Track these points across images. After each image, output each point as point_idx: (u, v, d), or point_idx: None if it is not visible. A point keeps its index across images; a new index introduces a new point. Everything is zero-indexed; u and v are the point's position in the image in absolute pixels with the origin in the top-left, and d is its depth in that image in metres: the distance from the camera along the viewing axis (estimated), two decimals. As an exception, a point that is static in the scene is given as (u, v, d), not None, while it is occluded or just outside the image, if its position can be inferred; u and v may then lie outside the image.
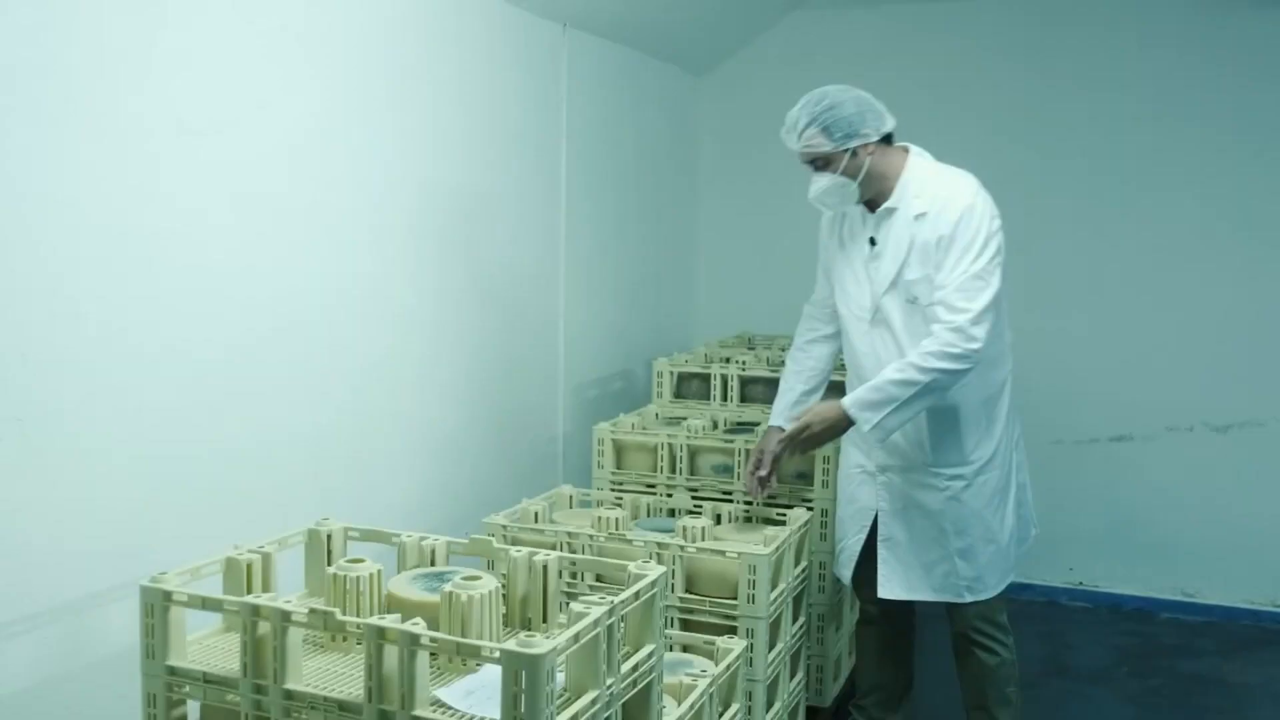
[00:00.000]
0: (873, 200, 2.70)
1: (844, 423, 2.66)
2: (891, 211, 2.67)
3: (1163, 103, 4.28)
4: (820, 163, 2.65)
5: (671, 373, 3.96)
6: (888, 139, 2.68)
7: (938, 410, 2.66)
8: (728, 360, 3.96)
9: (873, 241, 2.71)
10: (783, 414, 2.88)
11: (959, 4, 4.51)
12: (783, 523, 2.86)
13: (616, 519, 2.75)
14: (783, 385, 2.95)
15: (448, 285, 3.11)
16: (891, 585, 2.79)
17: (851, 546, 2.89)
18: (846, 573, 2.94)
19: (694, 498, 3.14)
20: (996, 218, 2.62)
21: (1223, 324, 4.26)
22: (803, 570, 2.89)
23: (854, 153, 2.61)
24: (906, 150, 2.72)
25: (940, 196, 2.61)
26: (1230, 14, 4.17)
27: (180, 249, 2.20)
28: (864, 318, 2.75)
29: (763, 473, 2.86)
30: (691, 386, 3.95)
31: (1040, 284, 4.47)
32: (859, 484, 2.87)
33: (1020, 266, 4.42)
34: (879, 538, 2.81)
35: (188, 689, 1.74)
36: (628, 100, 4.24)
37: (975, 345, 2.52)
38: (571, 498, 3.09)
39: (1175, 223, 4.31)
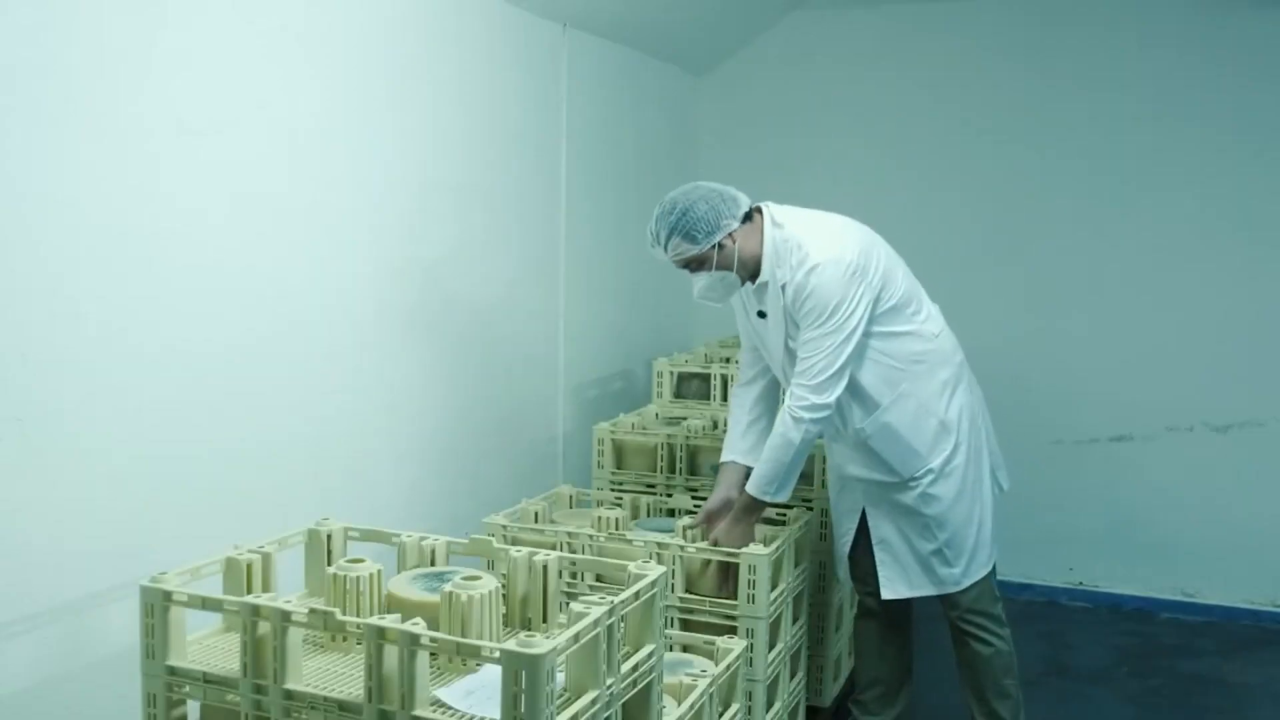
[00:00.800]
0: (753, 275, 2.73)
1: (754, 509, 2.70)
2: (765, 285, 2.71)
3: (1163, 103, 4.28)
4: (694, 265, 2.68)
5: (671, 373, 3.96)
6: (748, 215, 2.68)
7: (889, 437, 2.72)
8: (728, 360, 3.96)
9: (761, 314, 2.78)
10: (734, 447, 2.88)
11: (959, 4, 4.51)
12: (783, 523, 2.86)
13: (616, 519, 2.75)
14: (730, 421, 2.96)
15: (447, 285, 3.11)
16: (894, 585, 2.83)
17: (842, 547, 2.95)
18: (841, 570, 3.00)
19: (694, 498, 3.14)
20: (850, 265, 2.59)
21: (1223, 324, 4.26)
22: (803, 570, 2.89)
23: (720, 246, 2.64)
24: (760, 220, 2.70)
25: (794, 263, 2.63)
26: (1230, 14, 4.17)
27: (180, 249, 2.20)
28: (781, 379, 2.82)
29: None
30: (691, 386, 3.95)
31: (1040, 284, 4.48)
32: (843, 485, 2.93)
33: (1020, 266, 4.49)
34: (873, 540, 2.84)
35: (188, 689, 1.74)
36: (628, 100, 4.24)
37: (822, 400, 2.59)
38: (571, 498, 3.09)
39: (1175, 223, 4.30)
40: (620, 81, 4.16)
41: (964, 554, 2.78)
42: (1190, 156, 4.26)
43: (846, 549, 2.92)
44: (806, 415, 2.60)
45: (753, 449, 2.79)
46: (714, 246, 2.63)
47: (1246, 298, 4.23)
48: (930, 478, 2.74)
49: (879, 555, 2.83)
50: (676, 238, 2.64)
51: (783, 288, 2.66)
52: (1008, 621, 2.90)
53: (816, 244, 2.62)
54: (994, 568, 2.88)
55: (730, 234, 2.64)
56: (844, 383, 2.61)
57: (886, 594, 2.83)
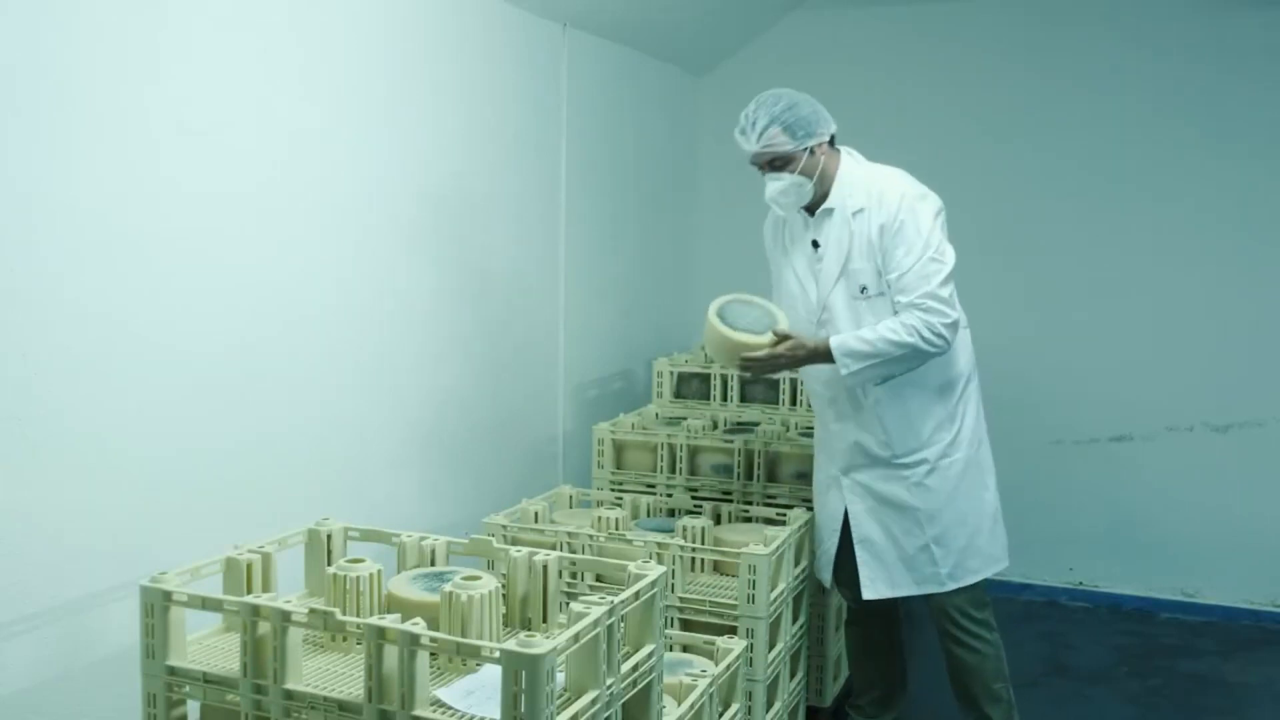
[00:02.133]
0: (810, 204, 2.74)
1: (820, 359, 2.67)
2: (830, 212, 2.72)
3: (1163, 103, 4.28)
4: (779, 163, 2.67)
5: (671, 373, 3.96)
6: (831, 140, 2.72)
7: (895, 401, 2.70)
8: (728, 360, 3.96)
9: (815, 244, 2.75)
10: None
11: (959, 4, 4.51)
12: (783, 523, 2.86)
13: (616, 519, 2.75)
14: None
15: (448, 285, 3.11)
16: (875, 585, 2.79)
17: (827, 550, 2.90)
18: (826, 575, 2.92)
19: (694, 498, 3.14)
20: (936, 201, 2.69)
21: (1223, 324, 4.26)
22: (803, 570, 2.89)
23: (811, 151, 2.66)
24: (839, 152, 2.76)
25: (874, 191, 2.67)
26: (1231, 14, 4.17)
27: (180, 249, 2.20)
28: (811, 319, 2.78)
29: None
30: (691, 386, 3.95)
31: (1040, 284, 4.48)
32: (827, 489, 2.89)
33: (1020, 267, 4.48)
34: (854, 540, 2.80)
35: (188, 689, 1.75)
36: (628, 100, 4.24)
37: (951, 317, 2.59)
38: (571, 498, 3.09)
39: (1175, 223, 4.30)
40: (620, 81, 4.16)
41: (951, 554, 2.74)
42: (1190, 157, 4.26)
43: (831, 556, 2.88)
44: (926, 333, 2.55)
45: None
46: (806, 150, 2.64)
47: (1246, 298, 4.23)
48: (925, 469, 2.72)
49: (860, 555, 2.79)
50: (776, 127, 2.63)
51: (855, 214, 2.66)
52: (997, 625, 2.85)
53: (901, 181, 2.68)
54: (984, 581, 2.81)
55: (821, 145, 2.66)
56: (956, 306, 2.61)
57: (867, 594, 2.79)
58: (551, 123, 3.66)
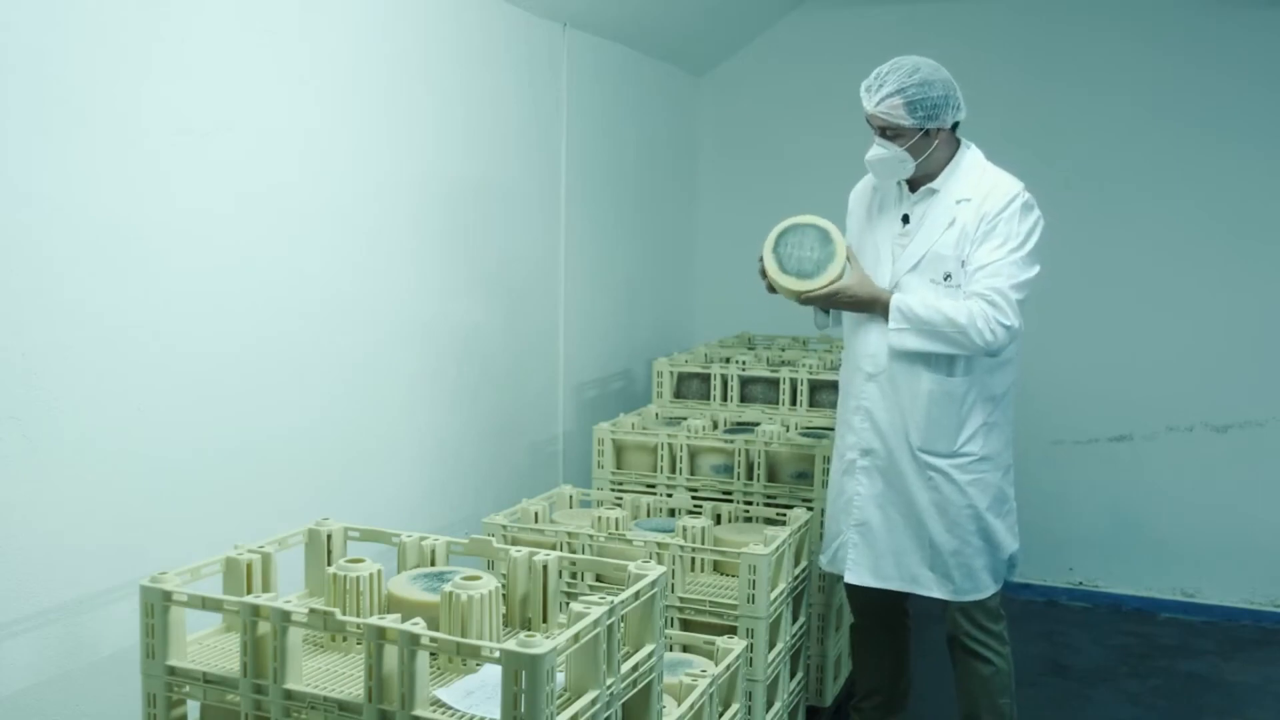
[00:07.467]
0: (914, 180, 2.72)
1: (874, 308, 2.68)
2: (933, 192, 2.70)
3: (1162, 102, 4.28)
4: (890, 132, 2.63)
5: (671, 373, 3.96)
6: (953, 127, 2.70)
7: (939, 394, 2.66)
8: (728, 360, 3.96)
9: (905, 219, 2.73)
10: None
11: (959, 4, 4.51)
12: (783, 523, 2.86)
13: (616, 519, 2.75)
14: None
15: (448, 285, 3.11)
16: (859, 571, 2.77)
17: (845, 542, 2.82)
18: (843, 568, 2.84)
19: (694, 498, 3.14)
20: (1040, 218, 2.70)
21: (1223, 324, 4.26)
22: (803, 570, 2.88)
23: (926, 133, 2.63)
24: (960, 142, 2.75)
25: (986, 185, 2.67)
26: (1232, 14, 4.17)
27: (180, 249, 2.20)
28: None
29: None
30: (691, 386, 3.95)
31: (1040, 284, 4.46)
32: (845, 471, 2.83)
33: (1020, 266, 4.48)
34: (853, 522, 2.78)
35: (188, 689, 1.74)
36: (628, 100, 4.24)
37: (1012, 321, 2.60)
38: (571, 498, 3.08)
39: (1175, 223, 4.31)
40: (620, 81, 4.16)
41: (967, 565, 2.69)
42: (1190, 157, 4.27)
43: (843, 549, 2.83)
44: (985, 325, 2.57)
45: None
46: (922, 131, 2.61)
47: (1246, 298, 4.24)
48: (952, 473, 2.67)
49: (853, 538, 2.76)
50: (899, 99, 2.59)
51: (960, 201, 2.66)
52: (1009, 639, 2.82)
53: (1017, 185, 2.68)
54: (999, 594, 2.79)
55: (940, 130, 2.64)
56: (1021, 317, 2.62)
57: (850, 578, 2.77)
58: (551, 123, 3.66)
